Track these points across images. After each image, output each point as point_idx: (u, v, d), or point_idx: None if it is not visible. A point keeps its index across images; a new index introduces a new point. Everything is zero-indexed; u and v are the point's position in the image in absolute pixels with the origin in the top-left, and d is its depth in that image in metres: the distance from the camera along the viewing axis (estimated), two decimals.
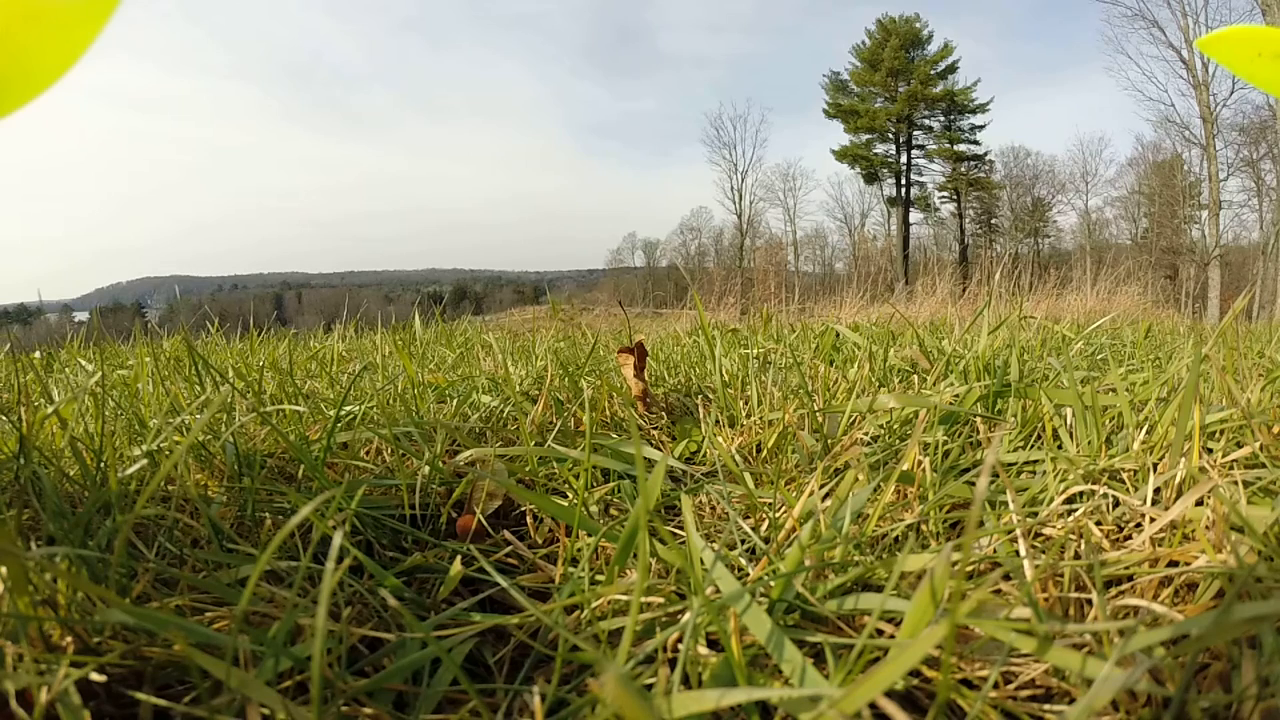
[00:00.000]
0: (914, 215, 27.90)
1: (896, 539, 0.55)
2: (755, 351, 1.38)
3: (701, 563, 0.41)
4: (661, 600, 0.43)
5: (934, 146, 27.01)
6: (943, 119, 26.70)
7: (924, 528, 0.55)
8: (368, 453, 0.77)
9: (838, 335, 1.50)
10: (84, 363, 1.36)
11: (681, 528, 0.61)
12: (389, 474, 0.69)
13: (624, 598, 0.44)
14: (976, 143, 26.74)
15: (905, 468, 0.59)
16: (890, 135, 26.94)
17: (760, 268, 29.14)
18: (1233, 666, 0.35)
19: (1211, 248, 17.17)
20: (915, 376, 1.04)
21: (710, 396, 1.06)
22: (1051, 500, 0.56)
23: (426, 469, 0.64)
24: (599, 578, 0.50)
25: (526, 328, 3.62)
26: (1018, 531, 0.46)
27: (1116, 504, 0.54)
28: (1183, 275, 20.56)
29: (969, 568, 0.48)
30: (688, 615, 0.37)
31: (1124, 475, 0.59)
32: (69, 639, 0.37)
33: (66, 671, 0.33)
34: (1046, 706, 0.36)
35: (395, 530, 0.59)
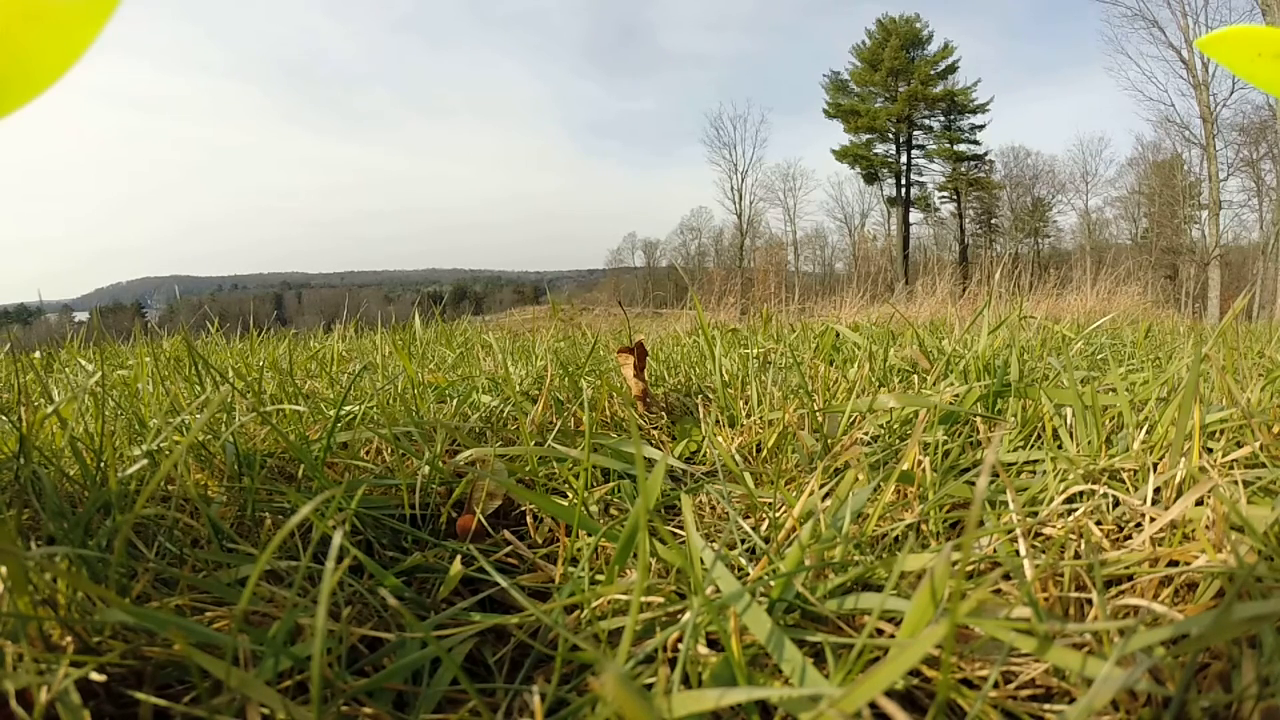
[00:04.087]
0: (914, 215, 27.94)
1: (896, 539, 0.55)
2: (755, 351, 1.38)
3: (701, 562, 0.41)
4: (661, 600, 0.43)
5: (934, 146, 27.04)
6: (943, 119, 26.71)
7: (924, 527, 0.55)
8: (368, 453, 0.77)
9: (838, 335, 1.50)
10: (84, 363, 1.36)
11: (681, 527, 0.61)
12: (389, 474, 0.69)
13: (624, 597, 0.44)
14: (976, 143, 26.76)
15: (905, 467, 0.59)
16: (890, 135, 26.95)
17: (760, 268, 29.16)
18: (1233, 666, 0.35)
19: (1211, 248, 17.17)
20: (915, 376, 1.04)
21: (710, 396, 1.06)
22: (1051, 500, 0.56)
23: (426, 469, 0.63)
24: (599, 577, 0.50)
25: (526, 328, 3.62)
26: (1018, 531, 0.46)
27: (1116, 504, 0.54)
28: (1183, 275, 20.57)
29: (969, 567, 0.48)
30: (688, 615, 0.37)
31: (1124, 475, 0.59)
32: (69, 639, 0.37)
33: (66, 671, 0.33)
34: (1046, 706, 0.36)
35: (395, 530, 0.59)
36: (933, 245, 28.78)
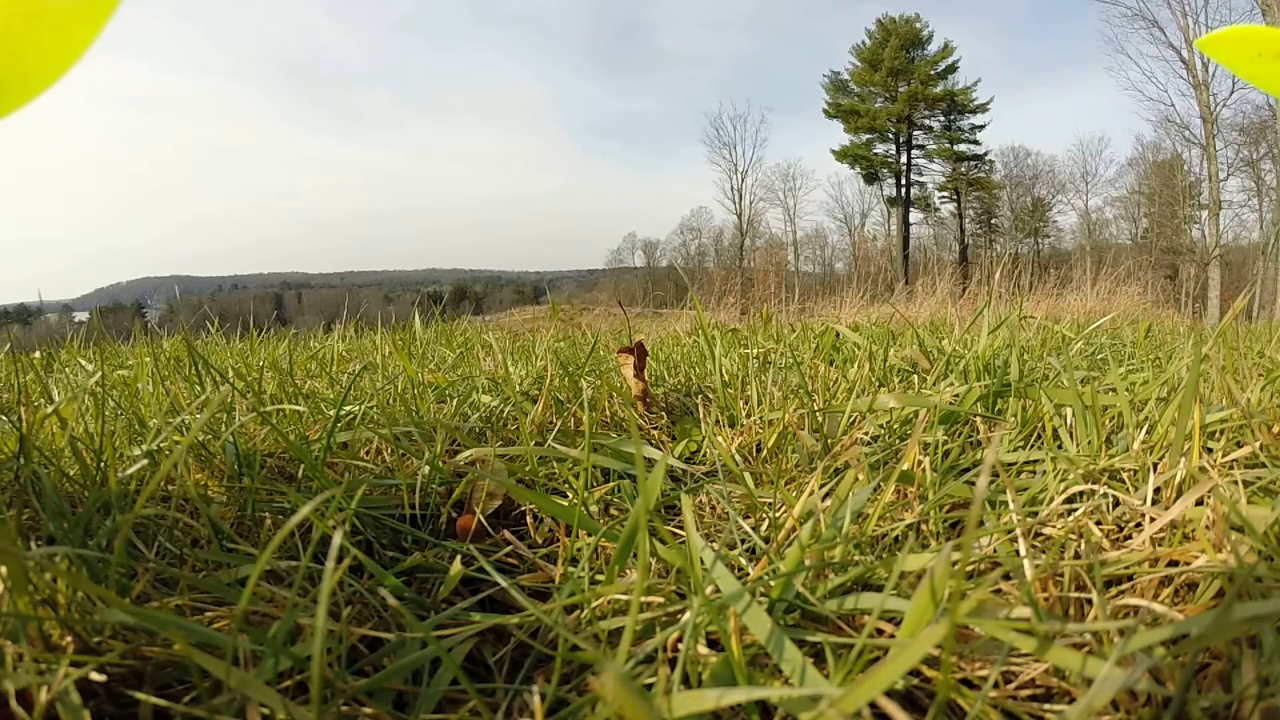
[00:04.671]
0: (914, 215, 27.94)
1: (896, 539, 0.55)
2: (755, 351, 1.38)
3: (701, 562, 0.41)
4: (661, 600, 0.43)
5: (934, 146, 27.03)
6: (943, 119, 26.71)
7: (924, 527, 0.55)
8: (368, 453, 0.77)
9: (838, 335, 1.50)
10: (84, 363, 1.36)
11: (681, 527, 0.61)
12: (389, 474, 0.69)
13: (624, 597, 0.44)
14: (976, 143, 26.76)
15: (905, 467, 0.59)
16: (890, 135, 26.95)
17: (760, 268, 29.17)
18: (1233, 666, 0.35)
19: (1211, 248, 17.17)
20: (915, 376, 1.04)
21: (710, 396, 1.06)
22: (1051, 500, 0.56)
23: (426, 469, 0.63)
24: (599, 577, 0.50)
25: (526, 328, 3.62)
26: (1018, 531, 0.46)
27: (1116, 504, 0.54)
28: (1183, 275, 20.57)
29: (969, 567, 0.48)
30: (688, 615, 0.37)
31: (1124, 475, 0.59)
32: (69, 639, 0.37)
33: (66, 671, 0.33)
34: (1046, 706, 0.36)
35: (395, 530, 0.59)
36: (933, 245, 28.80)
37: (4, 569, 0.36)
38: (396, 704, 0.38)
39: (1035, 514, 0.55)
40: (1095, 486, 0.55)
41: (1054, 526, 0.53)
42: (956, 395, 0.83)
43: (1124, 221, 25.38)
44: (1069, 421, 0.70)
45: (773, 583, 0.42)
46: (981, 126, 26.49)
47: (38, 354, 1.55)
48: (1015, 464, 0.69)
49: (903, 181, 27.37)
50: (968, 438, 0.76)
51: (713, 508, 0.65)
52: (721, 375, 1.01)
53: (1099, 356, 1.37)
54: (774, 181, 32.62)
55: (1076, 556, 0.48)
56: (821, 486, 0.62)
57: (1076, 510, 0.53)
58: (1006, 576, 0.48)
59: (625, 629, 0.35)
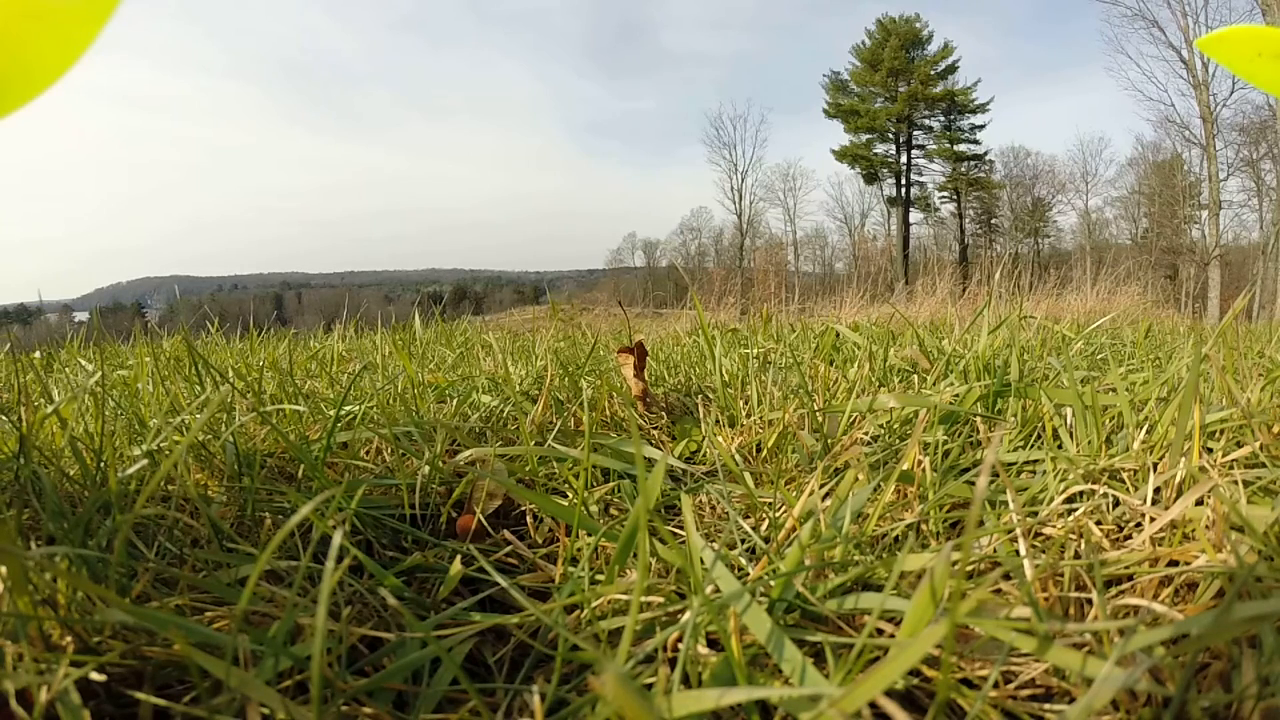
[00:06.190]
0: (914, 215, 27.94)
1: (896, 539, 0.55)
2: (755, 351, 1.38)
3: (701, 562, 0.41)
4: (661, 600, 0.43)
5: (934, 146, 27.03)
6: (943, 119, 26.71)
7: (924, 527, 0.55)
8: (368, 452, 0.77)
9: (838, 335, 1.50)
10: (84, 363, 1.36)
11: (681, 527, 0.61)
12: (389, 474, 0.69)
13: (624, 597, 0.44)
14: (977, 142, 26.76)
15: (905, 467, 0.59)
16: (890, 135, 26.95)
17: (760, 268, 29.18)
18: (1233, 666, 0.35)
19: (1211, 248, 17.17)
20: (915, 376, 1.04)
21: (710, 396, 1.06)
22: (1051, 500, 0.56)
23: (426, 469, 0.63)
24: (599, 577, 0.50)
25: (526, 328, 3.61)
26: (1018, 531, 0.46)
27: (1116, 504, 0.54)
28: (1183, 275, 20.58)
29: (969, 567, 0.48)
30: (688, 615, 0.37)
31: (1124, 475, 0.59)
32: (69, 639, 0.37)
33: (66, 671, 0.33)
34: (1046, 706, 0.36)
35: (395, 530, 0.59)
36: (933, 245, 28.80)
37: (4, 569, 0.36)
38: (396, 704, 0.38)
39: (1035, 514, 0.55)
40: (1095, 486, 0.55)
41: (1054, 526, 0.53)
42: (956, 395, 0.83)
43: (1124, 221, 25.41)
44: (1069, 421, 0.70)
45: (773, 583, 0.42)
46: (981, 126, 26.51)
47: (38, 354, 1.55)
48: (1015, 464, 0.69)
49: (903, 181, 27.38)
50: (968, 438, 0.76)
51: (713, 508, 0.65)
52: (721, 375, 1.01)
53: (1099, 356, 1.37)
54: (774, 181, 32.64)
55: (1076, 556, 0.48)
56: (821, 486, 0.62)
57: (1076, 510, 0.53)
58: (1006, 576, 0.48)
59: (625, 629, 0.35)
